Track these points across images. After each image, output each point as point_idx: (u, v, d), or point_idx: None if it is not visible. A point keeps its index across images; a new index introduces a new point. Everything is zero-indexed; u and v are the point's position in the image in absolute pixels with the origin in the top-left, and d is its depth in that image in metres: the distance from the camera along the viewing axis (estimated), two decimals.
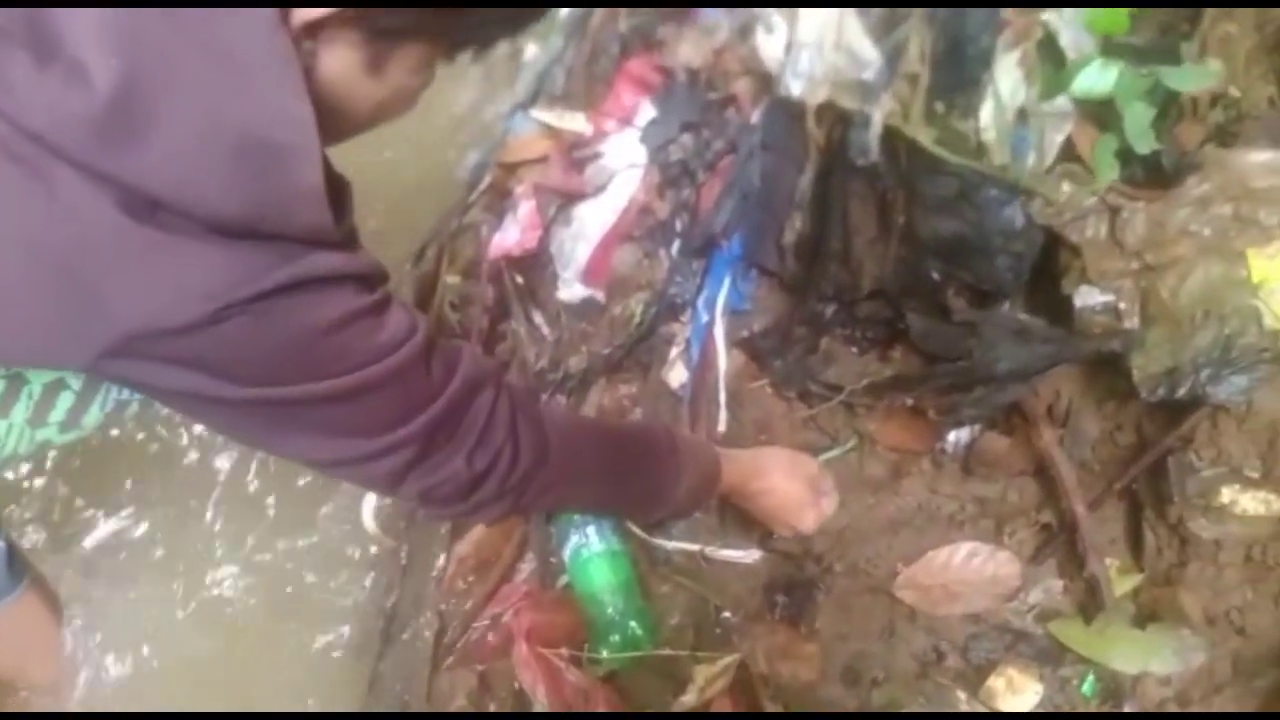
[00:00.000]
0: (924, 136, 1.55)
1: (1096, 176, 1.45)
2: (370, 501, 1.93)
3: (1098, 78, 1.41)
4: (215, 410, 0.89)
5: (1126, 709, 1.42)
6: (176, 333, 0.78)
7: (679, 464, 1.21)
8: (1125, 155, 1.44)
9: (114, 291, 0.77)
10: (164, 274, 0.77)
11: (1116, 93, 1.38)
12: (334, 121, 0.90)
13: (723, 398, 1.82)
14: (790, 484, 1.44)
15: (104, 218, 0.76)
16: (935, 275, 1.66)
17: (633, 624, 1.61)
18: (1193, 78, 1.41)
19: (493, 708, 1.61)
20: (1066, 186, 1.53)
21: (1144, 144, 1.41)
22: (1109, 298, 1.51)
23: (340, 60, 0.86)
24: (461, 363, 0.98)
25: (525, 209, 2.08)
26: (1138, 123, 1.38)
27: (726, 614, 1.66)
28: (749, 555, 1.69)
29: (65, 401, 1.05)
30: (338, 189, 0.88)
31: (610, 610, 1.62)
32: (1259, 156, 1.45)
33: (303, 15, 0.80)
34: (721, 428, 1.80)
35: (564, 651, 1.60)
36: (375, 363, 0.88)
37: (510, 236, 2.07)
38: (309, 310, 0.82)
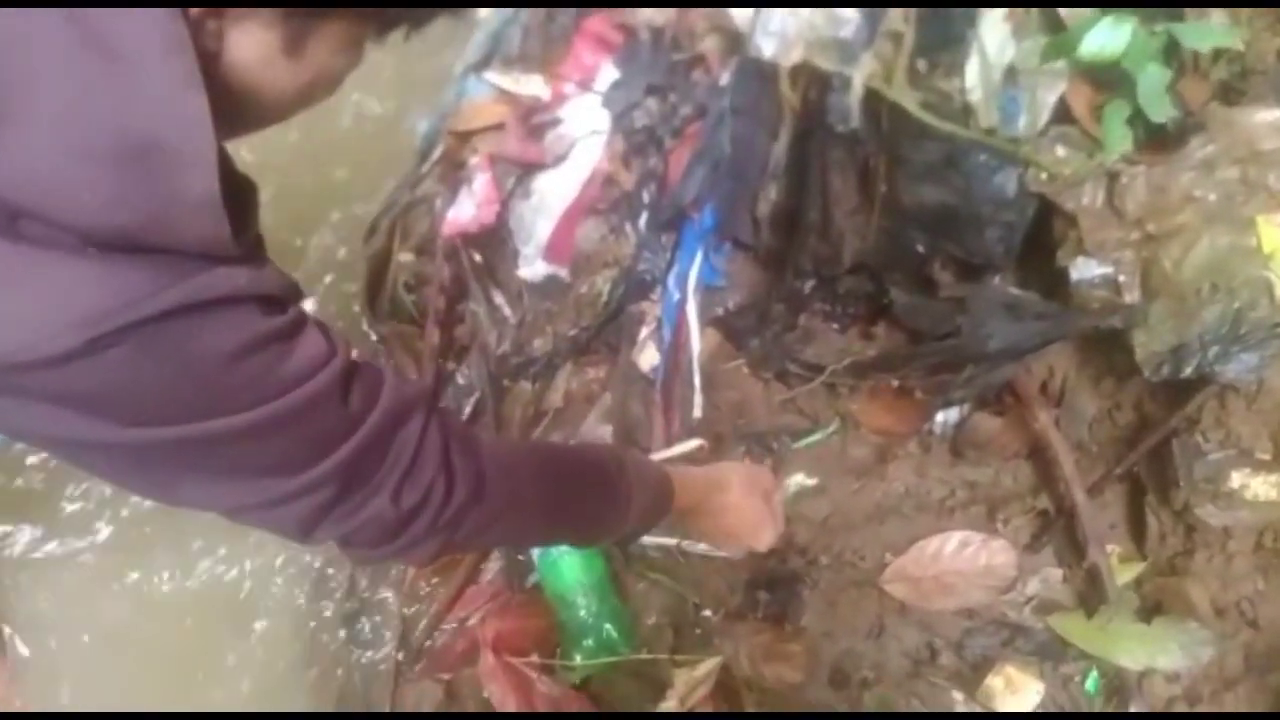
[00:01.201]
0: (908, 100, 1.43)
1: (1105, 147, 1.34)
2: None
3: (1109, 37, 1.28)
4: (94, 455, 0.76)
5: (1133, 708, 1.35)
6: (45, 366, 0.65)
7: (628, 488, 1.09)
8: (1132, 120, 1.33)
9: None
10: (28, 296, 0.65)
11: (1128, 54, 1.25)
12: (248, 110, 0.79)
13: (697, 380, 1.72)
14: (748, 500, 1.32)
15: None
16: (921, 248, 1.56)
17: (607, 626, 1.52)
18: (1211, 35, 1.29)
19: None
20: (1061, 150, 1.42)
21: (1160, 110, 1.30)
22: (1108, 270, 1.41)
23: (253, 41, 0.75)
24: (384, 388, 0.86)
25: (481, 182, 1.94)
26: (1153, 86, 1.26)
27: (707, 612, 1.57)
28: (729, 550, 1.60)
29: None
30: (239, 193, 0.76)
31: (583, 612, 1.53)
32: (1267, 115, 1.35)
33: None
34: (697, 413, 1.71)
35: (535, 659, 1.51)
36: (284, 395, 0.75)
37: (466, 211, 1.94)
38: (204, 337, 0.70)
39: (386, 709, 1.56)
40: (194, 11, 0.69)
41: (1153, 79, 1.28)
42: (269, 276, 0.76)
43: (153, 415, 0.72)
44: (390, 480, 0.85)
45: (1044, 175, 1.43)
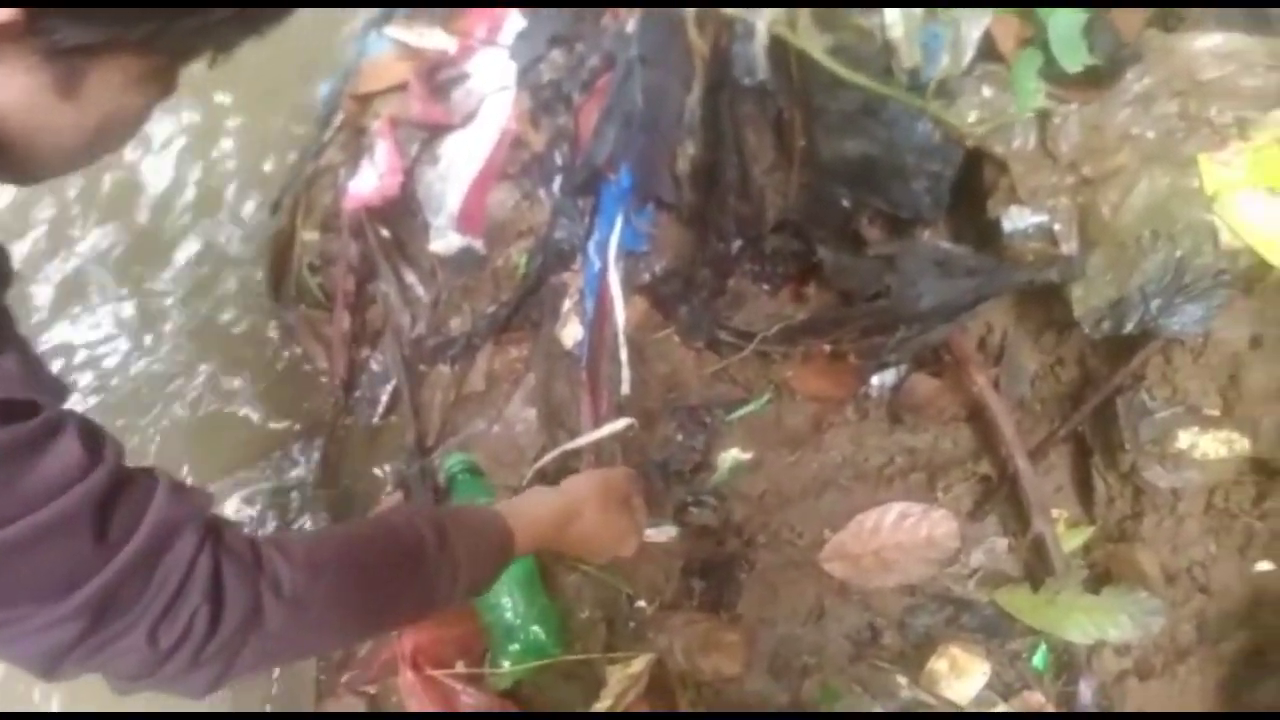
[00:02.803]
0: (815, 46, 1.30)
1: (1016, 101, 1.22)
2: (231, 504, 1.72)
3: None
4: None
5: (1083, 684, 1.28)
6: None
7: (452, 563, 0.96)
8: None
9: None
10: None
11: None
12: (26, 158, 0.71)
13: (624, 354, 1.61)
14: (607, 515, 1.22)
15: None
16: (845, 203, 1.45)
17: (535, 628, 1.44)
18: None
19: None
20: (987, 91, 1.31)
21: (1074, 58, 1.18)
22: (1042, 219, 1.31)
23: (18, 85, 0.68)
24: (151, 507, 0.74)
25: (382, 150, 1.81)
26: (1066, 32, 1.14)
27: (640, 604, 1.49)
28: (662, 533, 1.52)
29: None
30: None
31: (509, 614, 1.45)
32: (1207, 41, 1.24)
33: None
34: (625, 389, 1.60)
35: (460, 669, 1.43)
36: (24, 515, 0.64)
37: (368, 182, 1.81)
38: None
39: None
40: None
41: (1065, 23, 1.16)
42: (8, 374, 0.65)
43: None
44: (148, 615, 0.72)
45: (971, 120, 1.31)
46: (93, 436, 0.71)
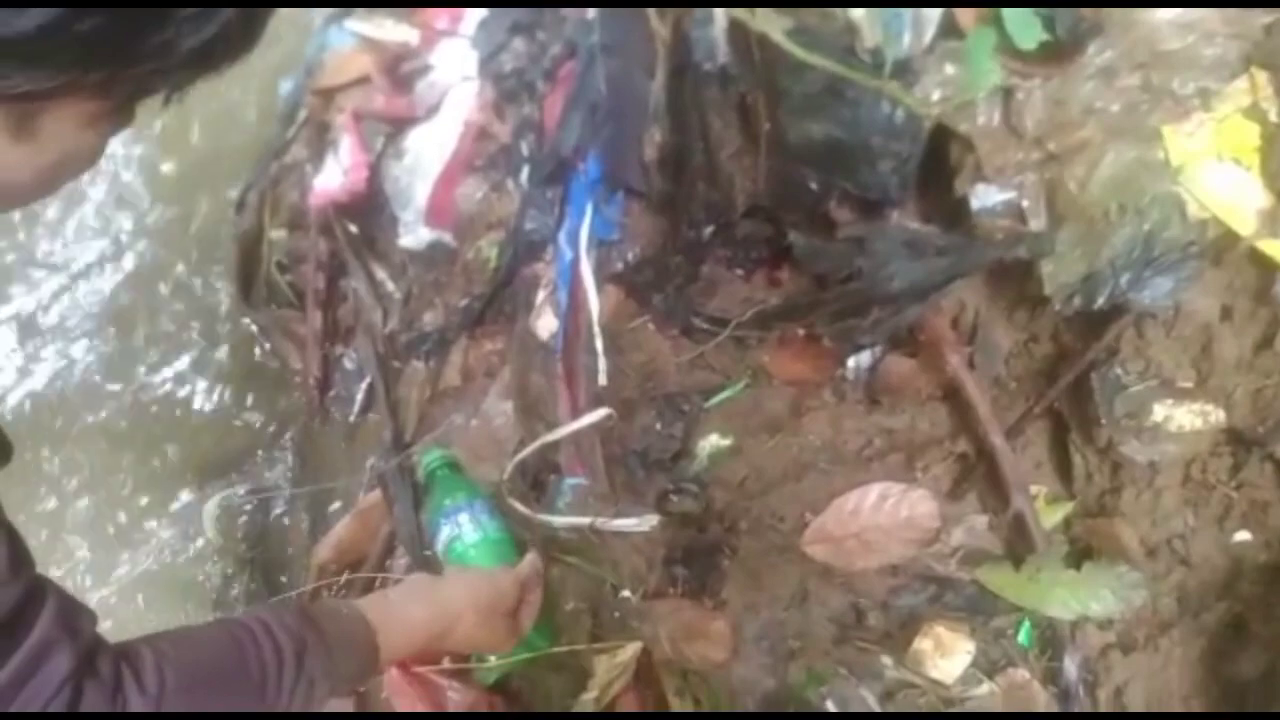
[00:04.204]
0: (774, 29, 1.29)
1: (971, 79, 1.21)
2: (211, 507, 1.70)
3: None
4: None
5: (1067, 659, 1.28)
6: None
7: (308, 678, 0.96)
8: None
9: None
10: None
11: None
12: None
13: (599, 344, 1.60)
14: (485, 628, 1.19)
15: None
16: (814, 185, 1.44)
17: None
18: None
19: None
20: (950, 69, 1.30)
21: (1029, 36, 1.17)
22: (1010, 195, 1.31)
23: None
24: (34, 629, 0.77)
25: (346, 145, 1.79)
26: (1021, 10, 1.12)
27: (625, 594, 1.48)
28: (645, 523, 1.51)
29: None
30: None
31: None
32: (1167, 13, 1.22)
33: None
34: (602, 379, 1.59)
35: (446, 665, 1.43)
36: None
37: (333, 179, 1.79)
38: None
39: None
40: None
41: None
42: None
43: None
44: None
45: (936, 95, 1.30)
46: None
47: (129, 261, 2.13)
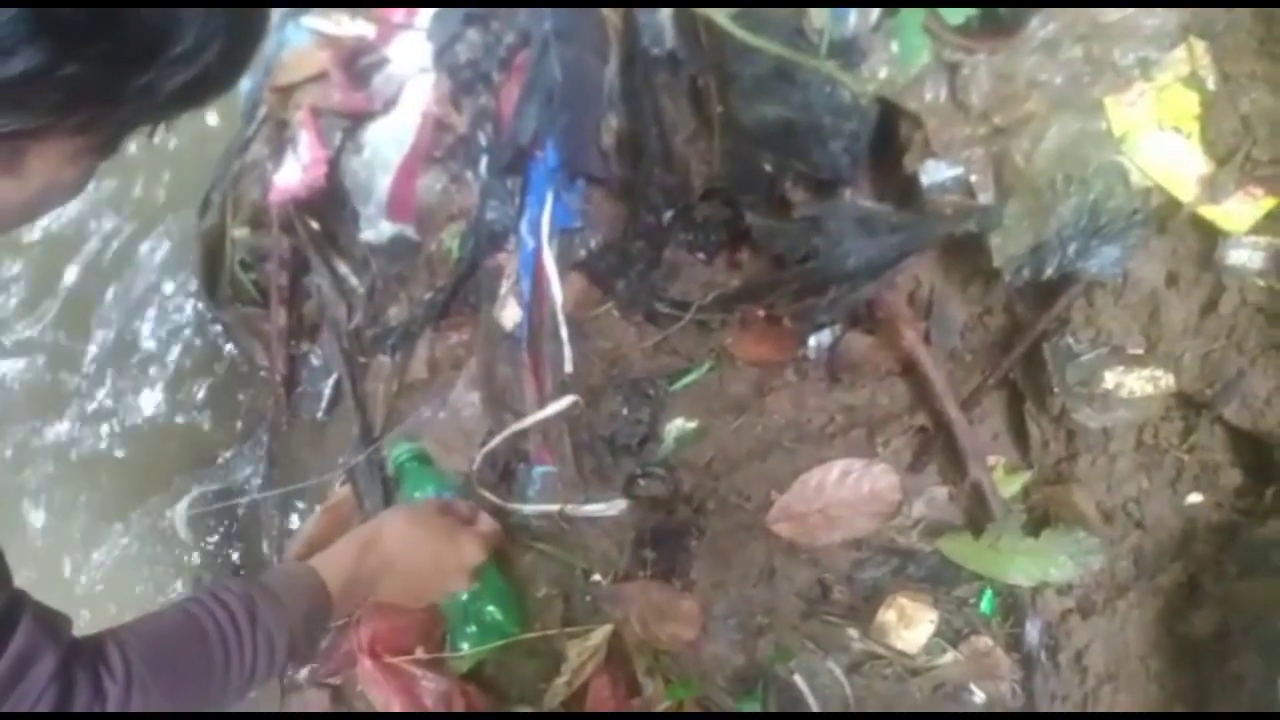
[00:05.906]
0: (718, 12, 1.30)
1: (901, 55, 1.22)
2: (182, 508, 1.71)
3: None
4: None
5: (1028, 625, 1.30)
6: None
7: (266, 632, 1.03)
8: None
9: None
10: None
11: None
12: None
13: (564, 332, 1.61)
14: (420, 552, 1.26)
15: None
16: (768, 167, 1.45)
17: (490, 608, 1.45)
18: None
19: None
20: (895, 47, 1.31)
21: (955, 12, 1.18)
22: (958, 171, 1.32)
23: None
24: (15, 635, 0.82)
25: (305, 140, 1.79)
26: None
27: (595, 578, 1.50)
28: (613, 507, 1.52)
29: None
30: None
31: (464, 596, 1.45)
32: None
33: None
34: (568, 367, 1.60)
35: (420, 654, 1.44)
36: None
37: (292, 175, 1.79)
38: None
39: None
40: None
41: None
42: None
43: None
44: None
45: (883, 74, 1.31)
46: None
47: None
